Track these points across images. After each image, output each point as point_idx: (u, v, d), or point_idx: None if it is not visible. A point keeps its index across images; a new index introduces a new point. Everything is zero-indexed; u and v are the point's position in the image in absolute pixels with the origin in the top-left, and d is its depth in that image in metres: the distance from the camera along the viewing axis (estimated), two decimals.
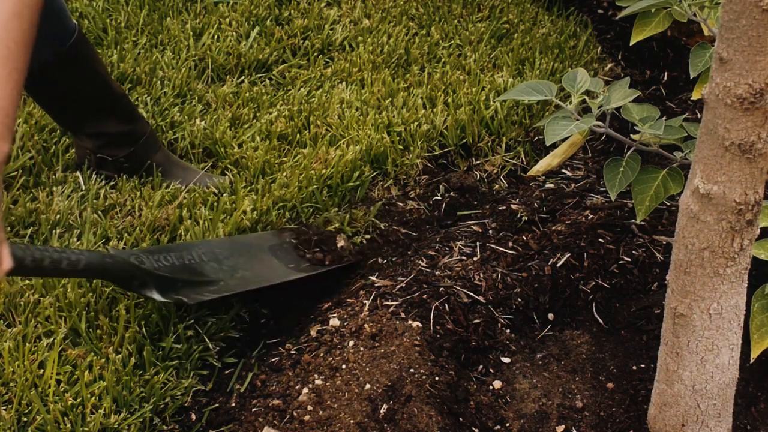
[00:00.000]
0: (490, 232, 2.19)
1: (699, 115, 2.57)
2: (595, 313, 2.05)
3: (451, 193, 2.44)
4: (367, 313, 1.92)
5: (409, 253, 2.19)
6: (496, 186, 2.46)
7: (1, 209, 1.44)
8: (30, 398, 1.70)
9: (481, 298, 2.00)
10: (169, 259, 1.95)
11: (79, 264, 1.72)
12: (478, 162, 2.54)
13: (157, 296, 1.85)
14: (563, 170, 2.42)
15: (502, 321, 1.99)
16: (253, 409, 1.76)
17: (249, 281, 2.03)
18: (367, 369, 1.79)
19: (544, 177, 2.40)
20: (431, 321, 1.91)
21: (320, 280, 2.14)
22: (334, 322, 1.92)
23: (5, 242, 1.47)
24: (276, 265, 2.10)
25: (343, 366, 1.80)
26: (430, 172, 2.50)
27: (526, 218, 2.21)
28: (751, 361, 1.73)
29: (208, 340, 1.91)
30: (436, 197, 2.43)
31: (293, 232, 2.21)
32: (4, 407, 1.69)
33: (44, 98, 2.16)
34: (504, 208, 2.28)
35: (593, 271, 2.09)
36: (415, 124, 2.56)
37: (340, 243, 2.17)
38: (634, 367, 1.90)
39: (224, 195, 2.24)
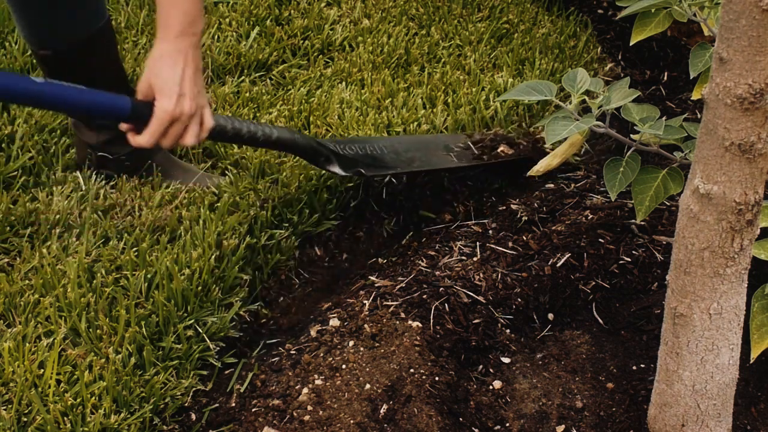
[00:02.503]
0: (490, 232, 2.19)
1: (699, 115, 2.57)
2: (595, 313, 2.05)
3: None
4: (367, 313, 1.92)
5: (409, 253, 2.19)
6: (496, 185, 2.46)
7: (200, 69, 1.84)
8: (30, 398, 1.70)
9: (481, 298, 2.00)
10: (353, 148, 2.19)
11: (272, 136, 2.00)
12: None
13: (339, 171, 2.10)
14: (563, 170, 2.42)
15: (502, 321, 1.99)
16: (253, 409, 1.76)
17: (423, 166, 2.28)
18: (367, 369, 1.79)
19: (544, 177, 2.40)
20: (431, 321, 1.91)
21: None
22: (334, 322, 1.92)
23: (208, 106, 1.86)
24: (450, 158, 2.34)
25: (343, 366, 1.80)
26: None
27: (526, 218, 2.21)
28: (751, 361, 1.73)
29: (208, 340, 1.91)
30: None
31: (467, 136, 2.47)
32: (4, 407, 1.69)
33: (66, 78, 2.17)
34: (504, 208, 2.28)
35: (593, 271, 2.09)
36: (415, 124, 2.56)
37: (501, 149, 2.42)
38: (634, 367, 1.90)
39: (225, 195, 2.24)
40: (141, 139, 1.83)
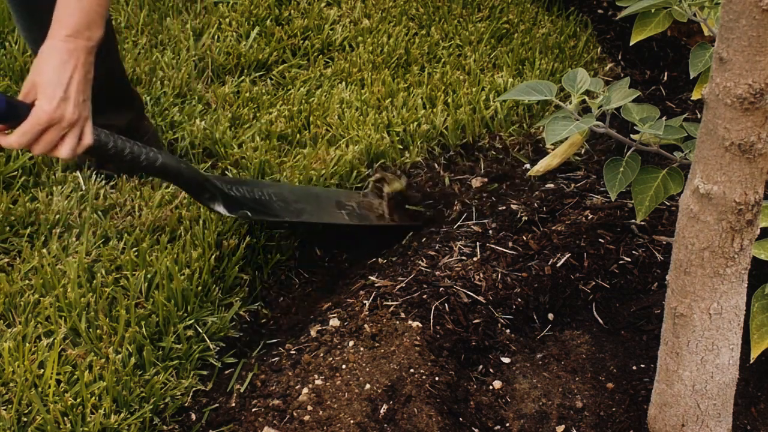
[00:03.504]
0: (490, 232, 2.19)
1: (699, 115, 2.57)
2: (595, 313, 2.05)
3: None
4: (367, 313, 1.92)
5: (409, 253, 2.19)
6: (496, 185, 2.46)
7: (90, 79, 1.69)
8: (30, 398, 1.70)
9: (481, 298, 2.00)
10: (241, 190, 2.07)
11: (157, 162, 1.85)
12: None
13: (223, 211, 1.98)
14: (563, 170, 2.42)
15: (502, 321, 1.99)
16: (253, 409, 1.76)
17: (311, 219, 2.18)
18: (367, 369, 1.79)
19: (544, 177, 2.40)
20: (431, 321, 1.91)
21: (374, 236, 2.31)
22: (334, 322, 1.92)
23: (89, 121, 1.70)
24: (339, 215, 2.23)
25: (343, 366, 1.80)
26: (432, 170, 2.50)
27: (526, 218, 2.21)
28: (751, 361, 1.73)
29: (208, 340, 1.91)
30: None
31: (361, 195, 2.36)
32: (4, 407, 1.69)
33: None
34: (504, 208, 2.28)
35: (593, 271, 2.09)
36: (415, 124, 2.56)
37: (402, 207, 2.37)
38: (634, 367, 1.90)
39: None
40: (10, 139, 1.64)
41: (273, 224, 2.19)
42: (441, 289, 1.99)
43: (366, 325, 1.88)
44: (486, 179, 2.47)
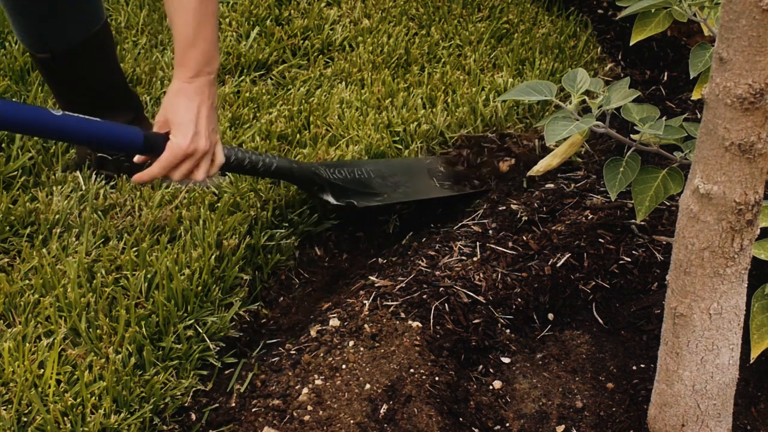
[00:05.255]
0: (490, 232, 2.19)
1: (699, 115, 2.57)
2: (595, 313, 2.05)
3: None
4: (367, 313, 1.92)
5: (409, 253, 2.19)
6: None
7: (215, 107, 1.86)
8: (30, 398, 1.70)
9: (481, 298, 2.00)
10: (343, 172, 2.25)
11: (272, 166, 2.06)
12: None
13: (331, 200, 2.17)
14: (563, 170, 2.42)
15: (502, 321, 1.99)
16: (253, 409, 1.76)
17: (409, 195, 2.33)
18: (367, 369, 1.79)
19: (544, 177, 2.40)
20: (431, 321, 1.91)
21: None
22: (334, 322, 1.92)
23: (219, 143, 1.90)
24: (432, 183, 2.40)
25: (343, 366, 1.80)
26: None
27: (526, 218, 2.21)
28: (751, 361, 1.73)
29: (208, 340, 1.91)
30: None
31: (449, 158, 2.51)
32: (4, 407, 1.69)
33: (62, 83, 2.18)
34: (504, 208, 2.28)
35: (593, 271, 2.09)
36: (415, 124, 2.56)
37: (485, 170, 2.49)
38: (634, 367, 1.90)
39: (225, 195, 2.24)
40: (151, 171, 1.84)
41: (377, 208, 2.34)
42: (441, 289, 1.99)
43: (366, 325, 1.88)
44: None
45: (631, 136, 1.98)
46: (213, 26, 1.82)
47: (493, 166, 2.50)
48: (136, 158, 1.90)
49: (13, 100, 2.46)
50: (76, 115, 1.79)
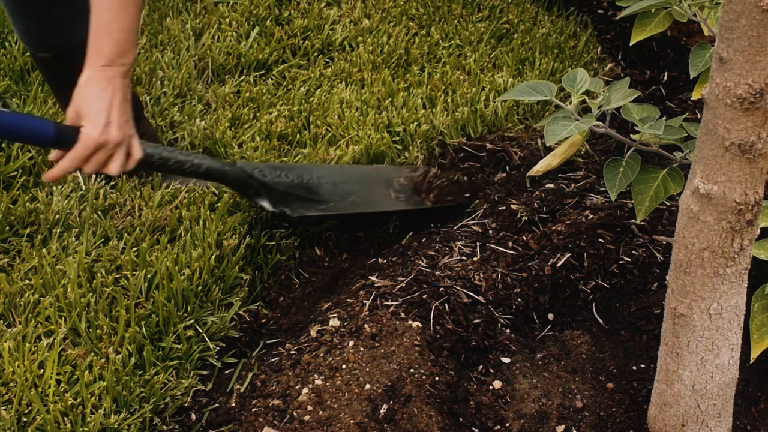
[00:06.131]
0: (490, 232, 2.19)
1: (699, 115, 2.57)
2: (595, 313, 2.05)
3: None
4: (367, 313, 1.92)
5: (409, 253, 2.19)
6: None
7: (128, 99, 1.77)
8: (30, 398, 1.70)
9: (481, 298, 2.00)
10: (289, 176, 2.15)
11: (201, 167, 1.97)
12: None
13: (267, 206, 2.07)
14: (563, 170, 2.42)
15: (502, 321, 1.99)
16: (253, 409, 1.76)
17: (358, 206, 2.22)
18: (367, 369, 1.79)
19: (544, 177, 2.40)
20: (431, 321, 1.91)
21: (424, 217, 2.32)
22: (334, 322, 1.92)
23: (135, 137, 1.82)
24: (388, 195, 2.28)
25: (343, 366, 1.80)
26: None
27: (526, 218, 2.21)
28: (751, 361, 1.73)
29: (208, 340, 1.91)
30: None
31: (411, 170, 2.38)
32: (4, 407, 1.69)
33: (62, 82, 2.18)
34: (504, 208, 2.28)
35: (593, 271, 2.09)
36: (415, 124, 2.56)
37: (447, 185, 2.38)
38: (634, 367, 1.90)
39: (225, 195, 2.24)
40: (61, 164, 1.77)
41: (316, 219, 2.24)
42: (441, 289, 1.99)
43: (366, 325, 1.88)
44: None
45: (631, 136, 1.98)
46: (132, 16, 1.75)
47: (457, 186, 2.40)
48: (51, 155, 1.82)
49: (13, 99, 2.46)
50: None
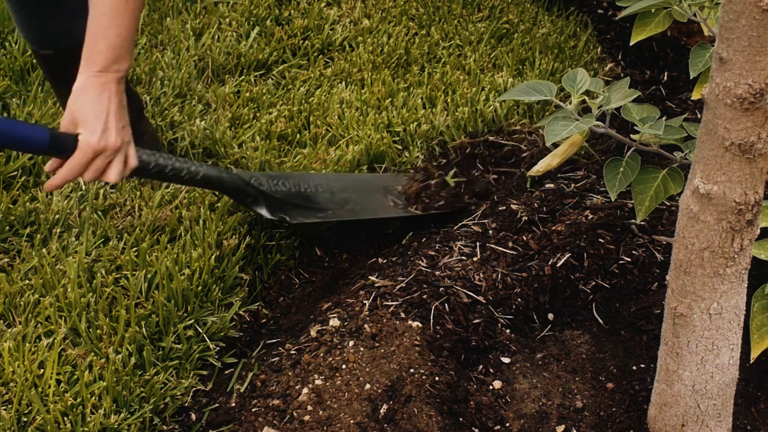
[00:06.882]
0: (490, 232, 2.19)
1: (699, 115, 2.57)
2: (595, 313, 2.05)
3: None
4: (367, 313, 1.92)
5: (409, 253, 2.19)
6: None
7: (124, 105, 1.76)
8: (30, 398, 1.70)
9: (481, 298, 2.00)
10: (287, 184, 2.16)
11: (198, 174, 1.96)
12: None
13: (265, 213, 2.07)
14: (563, 170, 2.42)
15: (502, 321, 1.99)
16: (253, 409, 1.76)
17: (356, 213, 2.23)
18: (367, 369, 1.79)
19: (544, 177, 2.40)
20: (431, 321, 1.91)
21: (426, 222, 2.32)
22: (334, 322, 1.92)
23: (132, 144, 1.79)
24: (385, 203, 2.29)
25: (343, 366, 1.80)
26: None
27: (526, 218, 2.21)
28: (751, 361, 1.73)
29: (208, 340, 1.91)
30: None
31: (408, 176, 2.40)
32: (4, 407, 1.69)
33: (63, 80, 2.18)
34: (504, 208, 2.28)
35: (593, 271, 2.09)
36: (415, 124, 2.56)
37: (443, 193, 2.38)
38: (634, 367, 1.90)
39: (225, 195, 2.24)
40: (61, 173, 1.73)
41: (314, 225, 2.24)
42: (441, 289, 1.99)
43: (366, 325, 1.88)
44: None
45: (631, 136, 1.98)
46: (129, 23, 1.73)
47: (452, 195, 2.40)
48: (47, 166, 1.77)
49: (13, 99, 2.46)
50: None
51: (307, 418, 1.71)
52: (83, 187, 2.22)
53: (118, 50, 1.72)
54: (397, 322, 1.89)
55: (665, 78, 2.90)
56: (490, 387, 1.88)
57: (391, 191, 2.34)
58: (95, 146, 1.71)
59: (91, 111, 1.72)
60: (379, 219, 2.28)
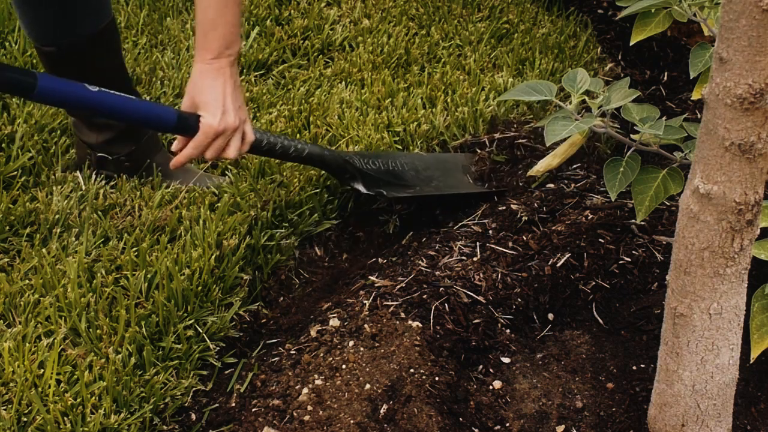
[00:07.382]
0: (490, 232, 2.19)
1: (699, 115, 2.57)
2: (595, 313, 2.05)
3: None
4: (367, 313, 1.92)
5: (409, 253, 2.19)
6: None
7: (239, 86, 1.91)
8: (30, 398, 1.70)
9: (481, 298, 2.00)
10: (377, 163, 2.30)
11: (304, 152, 2.12)
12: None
13: (362, 188, 2.21)
14: (563, 170, 2.42)
15: (502, 321, 1.99)
16: (253, 409, 1.76)
17: (440, 189, 2.37)
18: (367, 369, 1.79)
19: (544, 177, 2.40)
20: (431, 321, 1.91)
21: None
22: (334, 322, 1.92)
23: (249, 120, 1.95)
24: (465, 180, 2.45)
25: (343, 366, 1.80)
26: None
27: (526, 218, 2.21)
28: (751, 361, 1.73)
29: (208, 340, 1.91)
30: None
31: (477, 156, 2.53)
32: (4, 407, 1.69)
33: (69, 75, 2.18)
34: (504, 208, 2.28)
35: (593, 271, 2.09)
36: (415, 124, 2.56)
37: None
38: (634, 367, 1.90)
39: (225, 195, 2.24)
40: (186, 152, 1.90)
41: (406, 199, 2.37)
42: (441, 289, 1.99)
43: (366, 325, 1.88)
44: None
45: (631, 136, 1.98)
46: (234, 11, 1.85)
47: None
48: (174, 146, 1.94)
49: (13, 99, 2.46)
50: (111, 91, 1.84)
51: (307, 418, 1.71)
52: (83, 187, 2.22)
53: (228, 37, 1.86)
54: (397, 322, 1.89)
55: (665, 78, 2.90)
56: (490, 387, 1.88)
57: (468, 169, 2.47)
58: (216, 128, 1.86)
59: (210, 95, 1.86)
60: (461, 194, 2.40)
